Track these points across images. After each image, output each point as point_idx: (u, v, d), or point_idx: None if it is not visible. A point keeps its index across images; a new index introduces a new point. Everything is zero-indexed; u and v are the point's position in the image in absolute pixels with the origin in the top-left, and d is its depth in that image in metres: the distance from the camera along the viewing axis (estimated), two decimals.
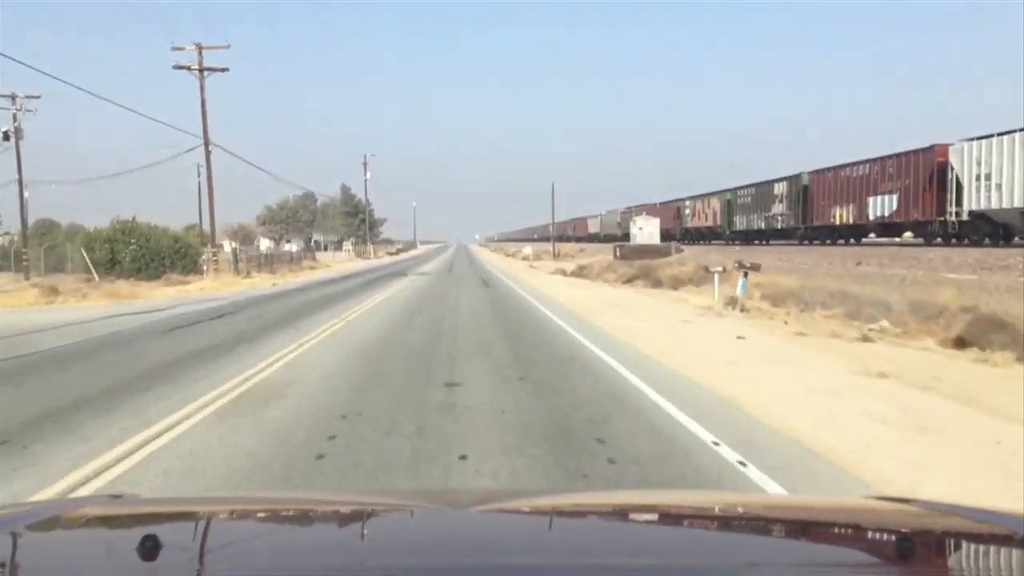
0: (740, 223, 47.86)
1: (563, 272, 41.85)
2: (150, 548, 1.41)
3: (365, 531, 1.85)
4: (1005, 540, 1.65)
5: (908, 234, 32.34)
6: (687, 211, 58.75)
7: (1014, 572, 1.51)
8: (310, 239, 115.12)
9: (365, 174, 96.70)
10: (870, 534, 1.83)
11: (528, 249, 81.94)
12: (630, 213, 75.30)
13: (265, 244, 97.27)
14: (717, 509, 2.28)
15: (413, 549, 1.63)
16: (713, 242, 53.76)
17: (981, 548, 1.69)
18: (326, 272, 51.57)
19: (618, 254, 47.61)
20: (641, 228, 55.06)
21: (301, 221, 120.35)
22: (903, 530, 1.74)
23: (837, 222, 35.81)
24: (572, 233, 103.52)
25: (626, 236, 72.65)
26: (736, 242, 48.56)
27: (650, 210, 67.24)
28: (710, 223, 53.70)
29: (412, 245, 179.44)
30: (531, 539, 1.76)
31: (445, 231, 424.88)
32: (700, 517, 2.08)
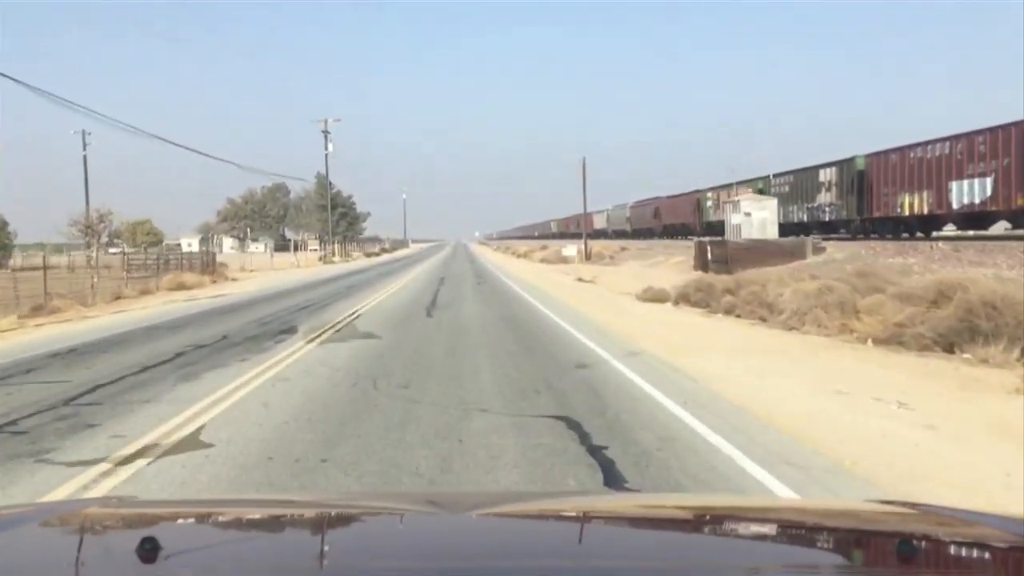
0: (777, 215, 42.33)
1: (667, 298, 21.62)
2: (149, 551, 1.40)
3: (363, 535, 1.84)
4: (1007, 544, 1.63)
5: (1002, 224, 26.87)
6: (709, 203, 53.19)
7: None
8: (283, 237, 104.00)
9: (326, 147, 74.90)
10: (872, 538, 1.82)
11: (571, 249, 58.65)
12: (642, 207, 69.81)
13: (228, 244, 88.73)
14: (719, 513, 2.19)
15: (411, 554, 1.60)
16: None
17: (983, 552, 1.66)
18: (170, 306, 25.32)
19: (712, 255, 30.17)
20: (749, 214, 34.55)
21: (270, 216, 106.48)
22: (905, 534, 1.70)
23: (905, 212, 30.28)
24: (576, 230, 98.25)
25: (641, 232, 67.14)
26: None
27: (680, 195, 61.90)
28: None
29: (403, 244, 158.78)
30: (529, 543, 1.72)
31: (443, 230, 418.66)
32: (702, 521, 2.03)
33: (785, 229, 41.51)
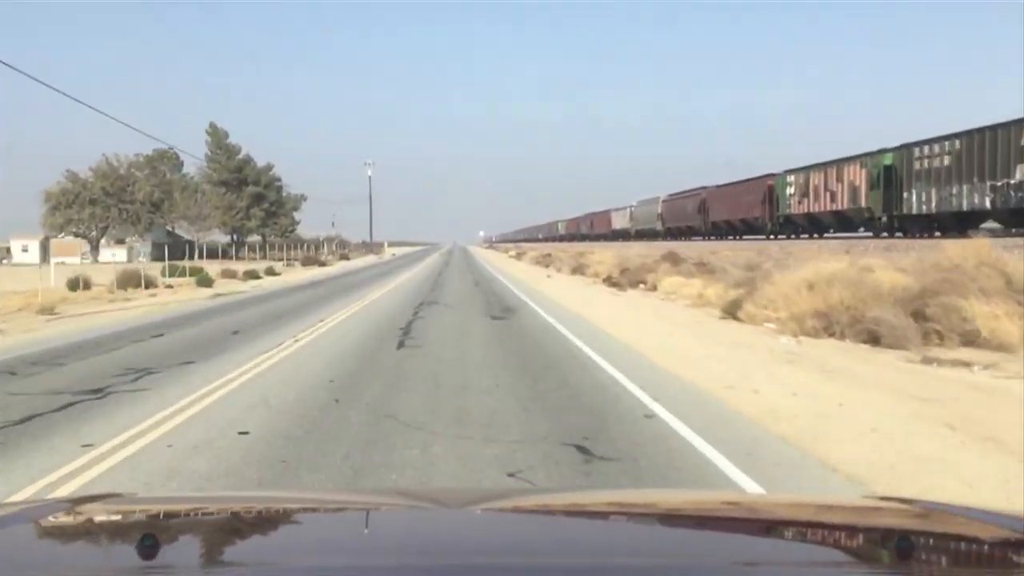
0: (920, 201, 29.22)
1: None
2: (149, 547, 1.39)
3: (361, 530, 1.81)
4: (1005, 541, 1.62)
5: None
6: (789, 189, 40.07)
7: (1014, 573, 1.49)
8: (170, 233, 69.22)
9: None
10: (870, 534, 1.81)
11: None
12: (681, 200, 56.50)
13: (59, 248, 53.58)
14: (716, 508, 2.21)
15: (414, 550, 1.58)
16: (836, 236, 35.16)
17: (981, 549, 1.66)
18: None
19: None
20: None
21: (137, 202, 66.76)
22: (903, 530, 1.71)
23: None
24: (589, 231, 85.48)
25: (678, 232, 53.11)
26: (897, 234, 30.19)
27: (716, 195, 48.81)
28: (841, 205, 35.02)
29: (374, 248, 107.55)
30: (528, 539, 1.71)
31: (441, 229, 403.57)
32: (699, 516, 2.04)
33: (939, 221, 28.61)
